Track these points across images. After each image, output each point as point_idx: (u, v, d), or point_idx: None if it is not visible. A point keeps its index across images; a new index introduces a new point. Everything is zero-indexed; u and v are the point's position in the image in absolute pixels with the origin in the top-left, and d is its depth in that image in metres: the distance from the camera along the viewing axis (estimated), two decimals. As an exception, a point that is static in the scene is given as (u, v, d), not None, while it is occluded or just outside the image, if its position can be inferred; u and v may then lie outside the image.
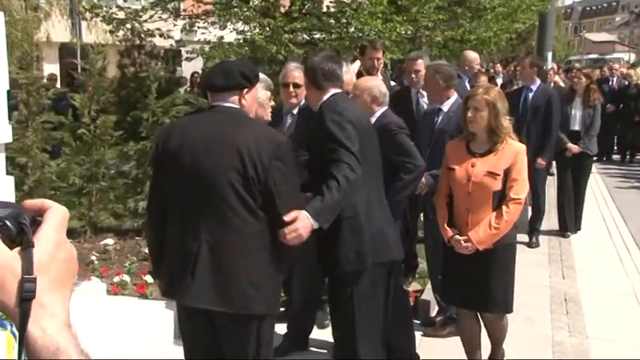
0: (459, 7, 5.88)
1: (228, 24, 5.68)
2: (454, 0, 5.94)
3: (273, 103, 2.25)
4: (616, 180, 6.57)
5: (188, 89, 7.19)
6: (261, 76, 1.85)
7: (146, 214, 1.75)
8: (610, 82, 7.79)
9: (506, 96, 4.62)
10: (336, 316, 1.95)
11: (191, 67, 7.62)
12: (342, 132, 1.71)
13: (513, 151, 2.02)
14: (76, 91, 4.19)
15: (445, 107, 2.62)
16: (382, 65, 3.51)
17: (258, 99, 1.81)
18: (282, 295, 2.06)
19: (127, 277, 2.90)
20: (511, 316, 2.21)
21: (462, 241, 2.02)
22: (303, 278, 2.38)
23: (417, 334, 2.46)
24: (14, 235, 0.42)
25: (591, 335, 2.76)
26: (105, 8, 5.70)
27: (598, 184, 6.15)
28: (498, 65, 9.56)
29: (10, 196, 2.30)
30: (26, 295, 0.41)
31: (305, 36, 5.56)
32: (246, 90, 1.57)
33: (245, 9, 5.42)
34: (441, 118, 2.61)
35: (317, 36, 5.59)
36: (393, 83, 3.75)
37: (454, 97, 2.63)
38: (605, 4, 46.36)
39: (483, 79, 4.06)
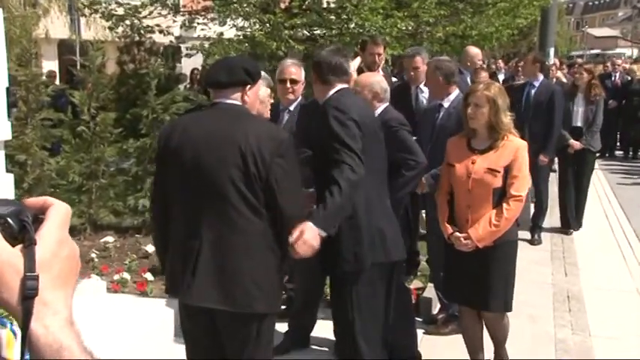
0: (460, 2, 5.84)
1: (228, 20, 5.65)
2: (455, -5, 5.90)
3: (272, 100, 2.23)
4: (618, 176, 6.54)
5: (188, 86, 7.17)
6: (261, 73, 1.83)
7: (152, 212, 1.76)
8: (612, 78, 7.73)
9: (510, 91, 4.60)
10: (336, 314, 1.95)
11: (191, 64, 7.59)
12: (345, 130, 1.70)
13: (514, 147, 2.00)
14: (76, 88, 4.17)
15: (446, 103, 2.61)
16: (383, 61, 3.49)
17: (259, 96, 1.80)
18: (283, 292, 2.05)
19: (127, 275, 2.89)
20: (513, 314, 2.20)
21: (462, 238, 2.01)
22: (303, 277, 2.37)
23: (419, 332, 2.45)
24: (16, 232, 0.42)
25: (594, 333, 2.75)
26: (104, 4, 5.67)
27: (600, 180, 6.13)
28: (500, 61, 9.50)
29: (9, 193, 2.29)
30: (29, 293, 0.41)
31: (305, 32, 5.53)
32: (249, 86, 1.56)
33: (245, 5, 5.38)
34: (441, 114, 2.59)
35: (317, 32, 5.56)
36: (394, 79, 3.72)
37: (455, 93, 2.61)
38: (607, -1, 46.13)
39: (484, 75, 4.04)
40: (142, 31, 5.74)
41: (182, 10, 6.13)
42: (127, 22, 5.68)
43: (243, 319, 1.52)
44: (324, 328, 2.49)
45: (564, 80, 6.14)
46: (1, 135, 2.23)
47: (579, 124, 4.23)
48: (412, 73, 3.11)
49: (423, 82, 3.03)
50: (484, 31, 6.01)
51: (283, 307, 2.25)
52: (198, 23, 6.00)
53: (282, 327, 2.40)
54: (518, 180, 1.98)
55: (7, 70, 2.21)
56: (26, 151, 3.60)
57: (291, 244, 1.52)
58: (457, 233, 2.03)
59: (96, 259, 3.14)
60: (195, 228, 1.50)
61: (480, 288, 2.04)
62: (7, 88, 2.21)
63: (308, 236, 1.53)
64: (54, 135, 3.99)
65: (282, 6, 5.51)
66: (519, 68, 6.22)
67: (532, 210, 4.14)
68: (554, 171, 4.67)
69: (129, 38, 6.21)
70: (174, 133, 1.56)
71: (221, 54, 5.43)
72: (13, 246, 0.42)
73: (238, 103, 1.55)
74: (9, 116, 2.34)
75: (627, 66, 8.44)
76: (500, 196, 1.99)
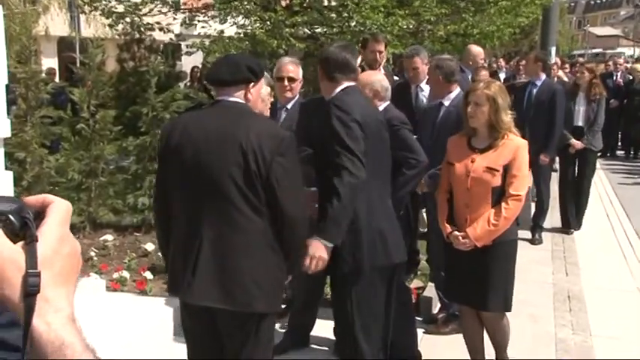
0: (461, 1, 5.81)
1: (229, 18, 5.63)
2: (457, -7, 5.87)
3: (272, 99, 2.22)
4: (620, 176, 6.52)
5: (188, 84, 7.16)
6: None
7: (154, 211, 1.76)
8: (614, 77, 7.71)
9: (512, 89, 4.55)
10: (337, 314, 1.94)
11: (191, 62, 7.57)
12: (347, 132, 1.68)
13: (513, 146, 1.99)
14: (75, 85, 4.16)
15: (446, 102, 2.61)
16: (385, 60, 3.47)
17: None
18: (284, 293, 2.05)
19: (126, 274, 2.88)
20: (513, 314, 2.19)
21: (460, 237, 2.00)
22: (303, 277, 2.35)
23: (419, 332, 2.44)
24: (17, 229, 0.42)
25: (595, 333, 2.74)
26: (104, 2, 5.64)
27: (602, 180, 6.11)
28: (501, 60, 9.47)
29: (8, 191, 2.28)
30: (31, 290, 0.41)
31: (306, 30, 5.50)
32: (252, 84, 1.55)
33: (245, 2, 5.36)
34: (442, 113, 2.59)
35: (318, 30, 5.54)
36: (396, 78, 3.70)
37: (456, 91, 2.61)
38: (609, -2, 45.95)
39: (484, 73, 4.02)
40: (142, 29, 5.71)
41: (182, 7, 6.11)
42: (127, 19, 5.66)
43: (242, 318, 1.51)
44: (323, 328, 2.49)
45: (566, 79, 6.12)
46: (1, 132, 2.22)
47: (580, 123, 4.21)
48: (411, 74, 3.10)
49: (424, 81, 3.03)
50: (485, 30, 5.99)
51: (283, 306, 2.23)
52: (198, 21, 5.98)
53: (282, 327, 2.39)
54: (517, 179, 1.97)
55: (7, 67, 2.20)
56: (25, 149, 3.59)
57: (302, 263, 1.62)
58: (456, 232, 2.02)
59: (95, 258, 3.13)
60: (196, 226, 1.50)
61: (479, 287, 2.03)
62: (7, 86, 2.21)
63: (314, 252, 1.63)
64: (53, 133, 3.98)
65: (283, 4, 5.49)
66: (521, 67, 6.19)
67: (533, 209, 4.13)
68: (556, 170, 4.66)
69: (129, 36, 6.19)
70: (175, 130, 1.56)
71: (221, 52, 5.40)
72: (15, 243, 0.42)
73: (241, 101, 1.54)
74: (8, 114, 2.33)
75: (629, 65, 8.41)
76: (500, 195, 1.98)
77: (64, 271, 0.43)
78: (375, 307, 1.84)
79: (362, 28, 5.03)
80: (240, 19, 5.65)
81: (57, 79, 7.32)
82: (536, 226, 4.10)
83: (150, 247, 3.23)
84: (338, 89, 1.81)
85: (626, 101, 7.53)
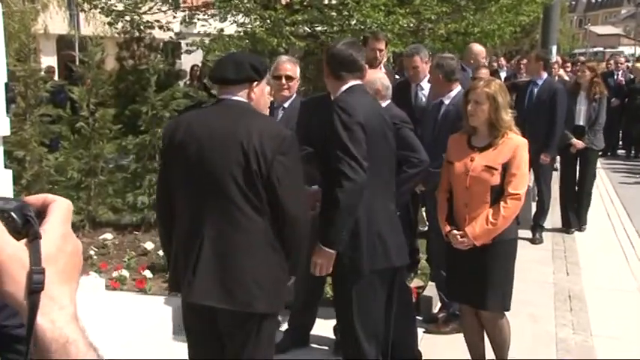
0: (462, -1, 5.79)
1: (229, 16, 5.60)
2: (457, -8, 5.84)
3: (272, 98, 2.20)
4: (621, 175, 6.51)
5: (188, 82, 7.14)
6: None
7: (156, 209, 1.78)
8: (615, 76, 7.69)
9: (514, 88, 4.50)
10: (338, 314, 1.94)
11: (191, 60, 7.54)
12: (349, 135, 1.67)
13: (513, 145, 1.98)
14: (75, 83, 4.15)
15: (447, 100, 2.61)
16: (385, 58, 3.46)
17: None
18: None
19: (125, 272, 2.88)
20: (514, 313, 2.18)
21: (459, 236, 1.99)
22: (303, 276, 2.34)
23: (419, 331, 2.43)
24: (20, 227, 0.42)
25: (596, 332, 2.73)
26: (103, 0, 5.62)
27: (602, 179, 6.10)
28: (502, 59, 9.45)
29: (8, 189, 2.27)
30: (35, 287, 0.41)
31: (306, 28, 5.48)
32: (255, 83, 1.55)
33: (245, 1, 5.34)
34: (442, 111, 2.59)
35: (318, 28, 5.51)
36: (397, 77, 3.69)
37: (456, 90, 2.61)
38: (610, -3, 45.83)
39: (485, 71, 4.00)
40: (141, 27, 5.69)
41: (182, 5, 6.08)
42: (127, 17, 5.63)
43: (243, 317, 1.51)
44: (324, 327, 2.48)
45: (566, 78, 6.10)
46: (0, 131, 2.21)
47: (581, 122, 4.20)
48: (411, 72, 3.10)
49: (424, 80, 3.02)
50: (486, 29, 5.96)
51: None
52: (198, 19, 5.96)
53: (282, 326, 2.38)
54: (516, 178, 1.96)
55: (6, 65, 2.19)
56: (25, 147, 3.58)
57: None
58: (454, 231, 2.02)
59: (94, 257, 3.13)
60: (198, 225, 1.49)
61: (478, 286, 2.02)
62: (6, 84, 2.20)
63: (316, 258, 1.72)
64: (52, 131, 3.97)
65: (283, 2, 5.46)
66: (522, 66, 6.18)
67: (533, 209, 4.12)
68: (556, 170, 4.64)
69: (128, 34, 6.17)
70: (178, 129, 1.56)
71: (221, 50, 5.38)
72: (18, 240, 0.41)
73: (244, 100, 1.54)
74: (7, 112, 2.32)
75: (630, 64, 8.38)
76: (499, 194, 1.97)
77: (67, 268, 0.43)
78: (376, 308, 1.83)
79: (362, 27, 5.01)
80: (240, 18, 5.63)
81: (56, 78, 7.30)
82: (536, 225, 4.08)
83: (149, 245, 3.22)
84: (344, 87, 1.79)
85: (627, 100, 7.50)
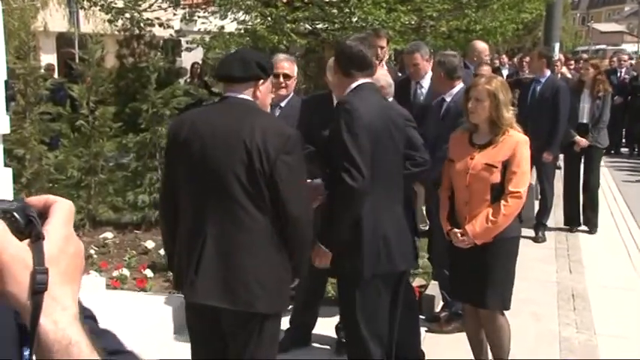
0: (464, -4, 5.75)
1: (229, 13, 5.57)
2: (459, -11, 5.80)
3: (273, 95, 2.18)
4: (624, 173, 6.48)
5: (188, 80, 7.11)
6: None
7: (159, 206, 1.77)
8: (618, 74, 7.64)
9: (518, 85, 4.44)
10: (343, 317, 1.94)
11: (191, 58, 7.52)
12: (352, 138, 1.66)
13: (513, 142, 1.96)
14: (74, 81, 4.13)
15: (448, 98, 2.60)
16: (387, 56, 3.43)
17: None
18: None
19: (126, 272, 2.87)
20: (516, 312, 2.16)
21: (459, 235, 1.98)
22: (305, 274, 2.33)
23: (422, 330, 2.42)
24: (22, 227, 0.42)
25: (599, 331, 2.71)
26: (103, -3, 5.59)
27: (606, 177, 6.06)
28: (504, 56, 9.40)
29: (7, 188, 2.26)
30: (38, 287, 0.41)
31: (307, 26, 5.45)
32: (261, 81, 1.53)
33: (246, -2, 5.30)
34: (444, 109, 2.58)
35: (320, 26, 5.49)
36: (399, 74, 3.66)
37: (458, 87, 2.59)
38: (613, -6, 45.56)
39: (486, 69, 3.97)
40: (141, 25, 5.66)
41: (182, 3, 6.05)
42: (127, 15, 5.61)
43: (245, 317, 1.50)
44: (325, 326, 2.46)
45: (569, 76, 6.06)
46: (-1, 129, 2.19)
47: (585, 120, 4.16)
48: (412, 69, 3.08)
49: (425, 78, 3.00)
50: (488, 26, 5.92)
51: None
52: (198, 16, 5.93)
53: (282, 325, 2.36)
54: (516, 176, 1.93)
55: (6, 63, 2.17)
56: (24, 146, 3.56)
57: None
58: (455, 229, 2.00)
59: (95, 256, 3.12)
60: (200, 224, 1.49)
61: (478, 285, 2.00)
62: (6, 82, 2.18)
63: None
64: (52, 129, 3.96)
65: (284, -1, 5.43)
66: (524, 63, 6.13)
67: (536, 207, 4.09)
68: (559, 168, 4.61)
69: (128, 31, 6.15)
70: (183, 126, 1.55)
71: (222, 48, 5.36)
72: (20, 241, 0.41)
73: (249, 98, 1.52)
74: (7, 110, 2.30)
75: (633, 62, 8.33)
76: (499, 192, 1.95)
77: (69, 269, 0.43)
78: (381, 311, 1.82)
79: (364, 24, 4.98)
80: (241, 15, 5.60)
81: (56, 75, 7.28)
82: (539, 224, 4.06)
83: (150, 244, 3.21)
84: (353, 85, 1.76)
85: (631, 98, 7.46)
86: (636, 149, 7.78)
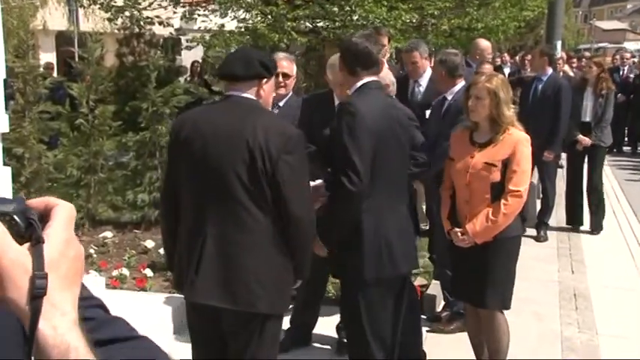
0: (465, -6, 5.71)
1: (229, 12, 5.56)
2: (461, -13, 5.77)
3: (274, 94, 2.16)
4: (626, 172, 6.45)
5: (188, 78, 7.10)
6: None
7: (160, 205, 1.77)
8: (621, 72, 7.60)
9: (521, 82, 4.41)
10: (345, 319, 1.93)
11: (191, 56, 7.50)
12: (353, 142, 1.64)
13: (513, 141, 1.94)
14: (74, 80, 4.12)
15: (449, 96, 2.59)
16: (388, 54, 3.41)
17: None
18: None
19: (126, 271, 2.86)
20: (518, 311, 2.15)
21: (459, 234, 1.97)
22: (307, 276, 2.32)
23: (423, 330, 2.41)
24: (23, 230, 0.41)
25: (601, 331, 2.70)
26: (103, -4, 5.57)
27: (608, 176, 6.04)
28: (505, 54, 9.36)
29: (7, 187, 2.24)
30: (37, 292, 0.40)
31: (308, 24, 5.43)
32: (264, 80, 1.52)
33: (246, -4, 5.28)
34: (445, 107, 2.58)
35: (320, 24, 5.46)
36: (401, 72, 3.64)
37: (459, 85, 2.58)
38: (616, -9, 45.34)
39: (488, 67, 3.95)
40: (141, 23, 5.65)
41: (182, 1, 6.03)
42: (127, 13, 5.59)
43: (246, 317, 1.49)
44: (326, 326, 2.45)
45: (571, 74, 6.02)
46: (-2, 128, 2.18)
47: (588, 119, 4.13)
48: (410, 68, 3.06)
49: (425, 75, 2.99)
50: (490, 24, 5.89)
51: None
52: (198, 15, 5.91)
53: (283, 325, 2.35)
54: (517, 175, 1.92)
55: (5, 61, 2.16)
56: (23, 145, 3.55)
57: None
58: (455, 229, 1.99)
59: (94, 255, 3.10)
60: (201, 223, 1.48)
61: (478, 284, 1.99)
62: (5, 80, 2.17)
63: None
64: (52, 128, 3.94)
65: (285, -3, 5.41)
66: (526, 61, 6.10)
67: (538, 206, 4.07)
68: (561, 167, 4.59)
69: (128, 30, 6.14)
70: (185, 125, 1.54)
71: (222, 46, 5.34)
72: (20, 244, 0.41)
73: (252, 97, 1.51)
74: (6, 109, 2.29)
75: (636, 60, 8.28)
76: (500, 191, 1.93)
77: (69, 274, 0.43)
78: (384, 313, 1.80)
79: (365, 22, 4.95)
80: (241, 13, 5.58)
81: (55, 74, 7.27)
82: (541, 223, 4.04)
83: (150, 244, 3.19)
84: (358, 84, 1.74)
85: (633, 96, 7.42)
86: (638, 148, 7.75)
